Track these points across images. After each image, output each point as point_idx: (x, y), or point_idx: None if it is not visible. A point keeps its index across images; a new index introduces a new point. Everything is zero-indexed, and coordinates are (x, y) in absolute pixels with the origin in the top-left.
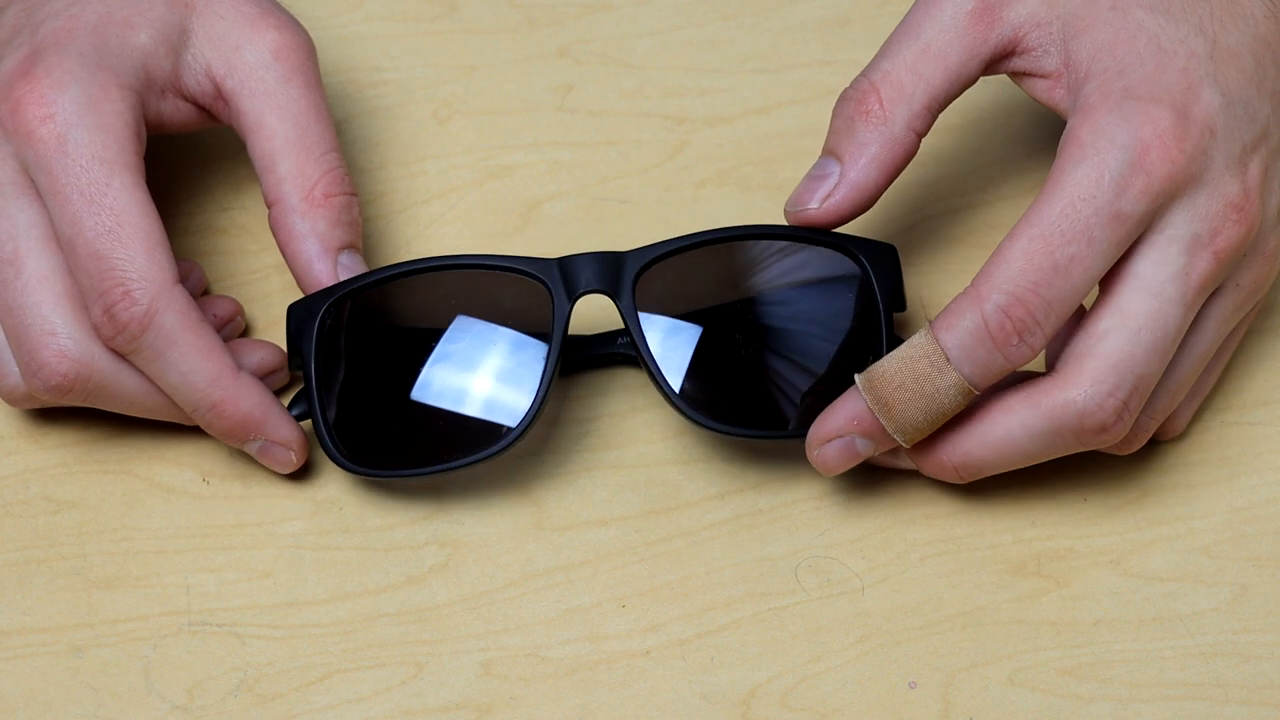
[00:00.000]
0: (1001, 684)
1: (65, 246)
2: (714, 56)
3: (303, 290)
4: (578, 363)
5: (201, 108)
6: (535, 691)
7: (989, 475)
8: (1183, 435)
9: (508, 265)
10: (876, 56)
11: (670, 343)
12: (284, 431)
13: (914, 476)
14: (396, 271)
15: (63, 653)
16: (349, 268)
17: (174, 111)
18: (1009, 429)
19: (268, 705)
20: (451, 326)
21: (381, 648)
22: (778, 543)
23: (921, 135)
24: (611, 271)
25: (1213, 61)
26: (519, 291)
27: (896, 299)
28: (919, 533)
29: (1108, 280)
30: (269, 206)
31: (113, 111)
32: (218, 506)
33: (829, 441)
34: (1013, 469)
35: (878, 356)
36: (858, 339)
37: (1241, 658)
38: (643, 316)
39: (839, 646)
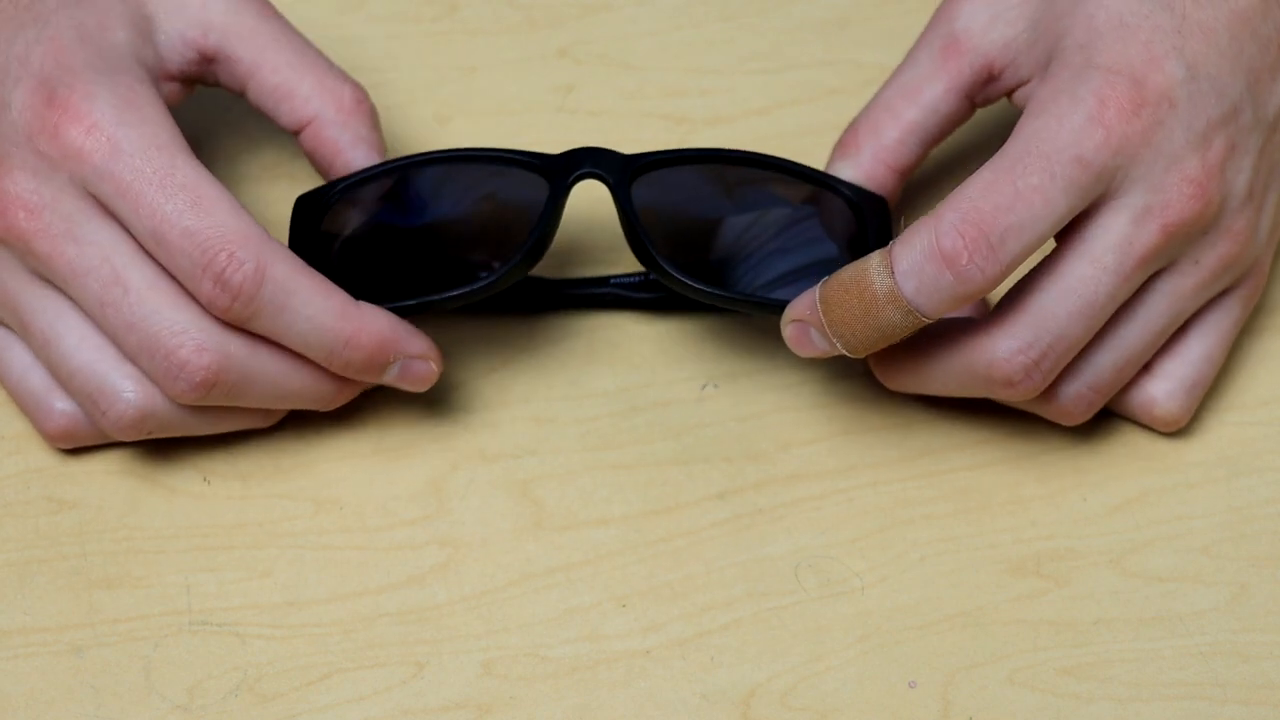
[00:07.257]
0: (1001, 684)
1: (152, 241)
2: (714, 56)
3: None
4: (570, 300)
5: (187, 80)
6: (535, 691)
7: (915, 393)
8: (1183, 434)
9: (508, 156)
10: None
11: (658, 220)
12: (419, 344)
13: (914, 477)
14: (403, 162)
15: (63, 652)
16: None
17: (165, 96)
18: (931, 353)
19: (268, 705)
20: (451, 206)
21: (381, 647)
22: (778, 543)
23: (895, 168)
24: (610, 162)
25: (1180, 35)
26: (519, 183)
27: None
28: (919, 533)
29: (1058, 239)
30: (300, 130)
31: (147, 102)
32: (218, 506)
33: (793, 322)
34: (941, 395)
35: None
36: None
37: (1240, 657)
38: (636, 201)
39: (839, 646)
